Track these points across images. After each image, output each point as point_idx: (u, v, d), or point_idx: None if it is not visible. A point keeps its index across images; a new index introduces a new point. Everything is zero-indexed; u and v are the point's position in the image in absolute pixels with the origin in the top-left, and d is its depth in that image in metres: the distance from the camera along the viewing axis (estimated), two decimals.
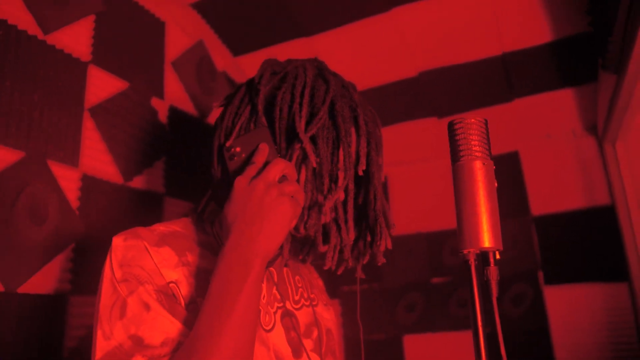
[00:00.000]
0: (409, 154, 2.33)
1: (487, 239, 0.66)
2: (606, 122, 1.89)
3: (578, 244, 2.05)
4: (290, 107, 0.96)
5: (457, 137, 0.70)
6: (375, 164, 0.99)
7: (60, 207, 1.18)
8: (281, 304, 1.00)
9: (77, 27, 1.32)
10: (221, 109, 1.05)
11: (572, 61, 1.89)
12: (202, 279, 0.88)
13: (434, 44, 1.84)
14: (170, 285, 0.84)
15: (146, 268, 0.84)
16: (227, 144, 0.92)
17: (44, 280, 1.13)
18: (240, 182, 0.85)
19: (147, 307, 0.80)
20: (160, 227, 0.92)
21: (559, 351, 1.99)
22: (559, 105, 2.09)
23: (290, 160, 0.93)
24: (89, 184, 1.28)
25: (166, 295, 0.83)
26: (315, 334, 1.06)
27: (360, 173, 0.96)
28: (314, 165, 0.94)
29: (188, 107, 1.72)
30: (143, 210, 1.45)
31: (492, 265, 0.66)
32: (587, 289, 2.00)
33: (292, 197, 0.86)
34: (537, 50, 1.83)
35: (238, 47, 1.96)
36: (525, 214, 2.14)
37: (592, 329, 1.97)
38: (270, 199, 0.83)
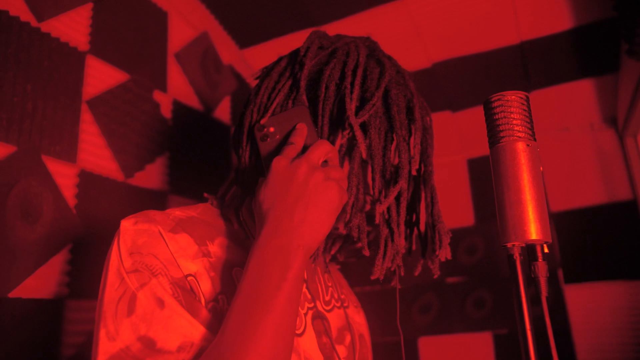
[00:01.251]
0: None
1: (534, 231, 0.57)
2: (628, 114, 1.82)
3: (599, 241, 1.99)
4: (338, 86, 0.84)
5: (496, 117, 0.62)
6: (431, 162, 0.89)
7: (56, 205, 1.11)
8: (312, 304, 0.89)
9: (74, 15, 1.24)
10: (256, 81, 0.93)
11: (593, 50, 1.82)
12: (225, 273, 0.77)
13: (449, 33, 1.76)
14: (189, 278, 0.72)
15: (161, 257, 0.72)
16: (261, 122, 0.82)
17: (38, 284, 1.05)
18: (280, 162, 0.74)
19: (161, 303, 0.68)
20: (176, 212, 0.81)
21: (581, 352, 1.92)
22: (578, 97, 2.02)
23: None
24: (87, 180, 1.20)
25: (184, 290, 0.71)
26: (348, 339, 0.95)
27: (414, 172, 0.85)
28: (364, 156, 0.82)
29: (192, 101, 1.65)
30: (145, 209, 1.36)
31: (540, 260, 0.57)
32: (609, 288, 1.94)
33: (339, 183, 0.75)
34: (556, 39, 1.76)
35: (244, 39, 1.88)
36: None
37: (614, 329, 1.91)
38: (315, 181, 0.72)
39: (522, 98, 0.62)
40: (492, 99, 0.62)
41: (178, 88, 1.59)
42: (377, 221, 0.83)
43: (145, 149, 1.41)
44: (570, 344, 1.95)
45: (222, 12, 1.77)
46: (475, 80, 1.99)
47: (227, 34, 1.86)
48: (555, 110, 2.08)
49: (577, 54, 1.84)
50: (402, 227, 0.84)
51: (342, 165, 0.84)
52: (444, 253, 0.85)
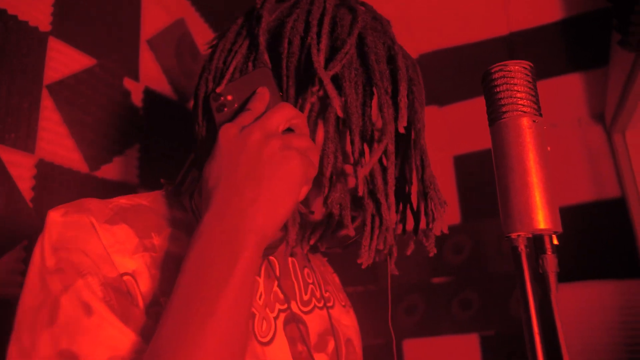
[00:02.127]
0: None
1: (542, 219, 0.50)
2: (617, 109, 1.78)
3: (587, 239, 1.95)
4: (303, 39, 0.72)
5: (498, 89, 0.54)
6: (420, 119, 0.75)
7: (9, 197, 1.01)
8: (284, 306, 0.77)
9: None
10: (210, 50, 0.80)
11: (582, 42, 1.78)
12: (172, 270, 0.63)
13: (437, 23, 1.70)
14: (125, 277, 0.60)
15: (91, 253, 0.59)
16: (217, 91, 0.69)
17: None
18: (228, 131, 0.62)
19: (88, 309, 0.56)
20: (120, 200, 0.69)
21: (571, 352, 1.87)
22: (566, 92, 1.98)
23: (302, 111, 0.69)
24: (46, 171, 1.11)
25: (117, 292, 0.59)
26: (331, 346, 0.82)
27: (401, 130, 0.70)
28: (340, 113, 0.69)
29: (166, 89, 1.56)
30: None
31: (549, 252, 0.50)
32: (598, 287, 1.89)
33: (303, 153, 0.62)
34: (545, 30, 1.71)
35: (223, 27, 1.80)
36: None
37: (604, 329, 1.87)
38: (270, 152, 0.60)
39: (526, 68, 0.54)
40: (493, 70, 0.55)
41: (150, 76, 1.50)
42: (360, 192, 0.69)
43: (113, 140, 1.32)
44: (559, 344, 1.90)
45: None
46: (462, 73, 1.93)
47: (205, 22, 1.77)
48: (543, 105, 2.02)
49: (566, 46, 1.80)
50: (392, 198, 0.70)
51: (315, 129, 0.72)
52: (439, 225, 0.73)
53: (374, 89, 0.72)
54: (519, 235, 0.51)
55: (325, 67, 0.69)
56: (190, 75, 1.69)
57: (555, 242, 0.51)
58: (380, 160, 0.71)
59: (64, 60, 1.20)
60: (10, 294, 1.00)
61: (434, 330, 2.07)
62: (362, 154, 0.70)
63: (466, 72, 1.93)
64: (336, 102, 0.68)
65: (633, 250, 1.85)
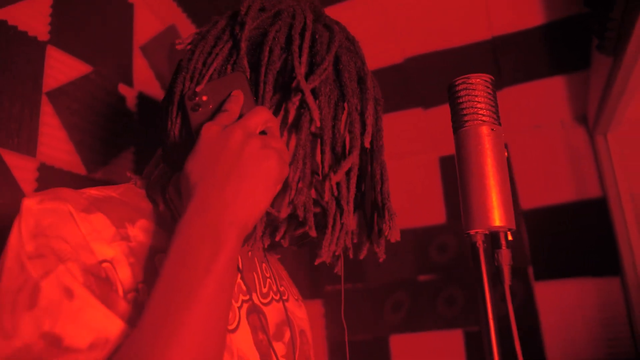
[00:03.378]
0: (393, 147, 2.24)
1: (497, 217, 0.56)
2: (598, 112, 1.84)
3: (569, 238, 2.00)
4: (283, 50, 0.76)
5: (460, 100, 0.60)
6: (381, 136, 0.82)
7: (15, 200, 1.07)
8: (247, 297, 0.80)
9: (32, 3, 1.20)
10: (189, 47, 0.82)
11: (564, 46, 1.83)
12: (147, 258, 0.66)
13: (422, 27, 1.75)
14: (104, 264, 0.61)
15: (70, 240, 0.60)
16: (192, 91, 0.71)
17: None
18: (210, 129, 0.65)
19: (69, 293, 0.57)
20: (91, 191, 0.70)
21: (551, 349, 1.93)
22: (549, 94, 2.03)
23: (275, 117, 0.73)
24: (48, 174, 1.16)
25: (97, 277, 0.60)
26: (287, 336, 0.87)
27: (367, 145, 0.77)
28: (317, 124, 0.73)
29: (159, 94, 1.61)
30: None
31: (504, 247, 0.56)
32: (578, 284, 1.94)
33: (279, 154, 0.66)
34: (528, 34, 1.76)
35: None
36: (514, 207, 2.07)
37: (584, 325, 1.92)
38: (252, 149, 0.63)
39: (486, 81, 0.60)
40: (457, 82, 0.61)
41: (144, 82, 1.55)
42: (325, 198, 0.75)
43: (109, 143, 1.37)
44: (540, 341, 1.95)
45: (190, 5, 1.74)
46: (446, 76, 1.97)
47: (196, 28, 1.82)
48: (527, 107, 2.09)
49: (548, 50, 1.85)
50: (352, 205, 0.76)
51: (289, 137, 0.76)
52: (394, 234, 0.77)
53: (345, 105, 0.78)
54: (477, 232, 0.57)
55: (306, 80, 0.73)
56: None
57: (510, 237, 0.56)
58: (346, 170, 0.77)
59: (62, 68, 1.25)
60: None
61: (420, 326, 2.12)
62: (331, 166, 0.75)
63: (451, 75, 1.95)
64: (316, 114, 0.73)
65: (613, 249, 1.91)
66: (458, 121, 0.61)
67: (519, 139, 2.12)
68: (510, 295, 0.54)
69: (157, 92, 1.60)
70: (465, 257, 2.11)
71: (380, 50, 1.85)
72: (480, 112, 0.59)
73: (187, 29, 1.79)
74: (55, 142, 1.20)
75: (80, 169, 1.25)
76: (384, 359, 2.12)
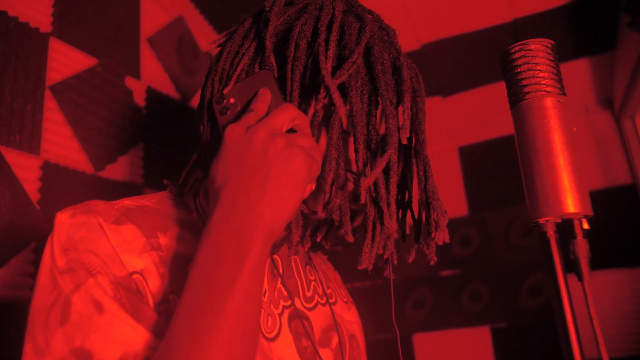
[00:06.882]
0: None
1: (571, 202, 0.48)
2: (626, 94, 1.75)
3: (599, 228, 1.89)
4: (310, 44, 0.72)
5: (519, 69, 0.52)
6: (423, 130, 0.76)
7: (16, 200, 1.00)
8: (288, 302, 0.77)
9: None
10: (218, 49, 0.80)
11: (588, 27, 1.74)
12: (180, 269, 0.65)
13: (439, 11, 1.67)
14: (134, 276, 0.61)
15: (100, 253, 0.60)
16: (219, 94, 0.69)
17: None
18: (234, 130, 0.62)
19: (99, 307, 0.57)
20: (125, 201, 0.69)
21: (584, 342, 1.85)
22: (572, 78, 1.94)
23: (305, 114, 0.69)
24: (52, 173, 1.09)
25: (128, 290, 0.60)
26: (335, 341, 0.83)
27: (404, 141, 0.72)
28: (344, 122, 0.70)
29: (168, 88, 1.54)
30: None
31: (579, 237, 0.48)
32: (611, 276, 1.86)
33: (307, 152, 0.62)
34: (551, 15, 1.68)
35: (222, 24, 1.78)
36: None
37: (617, 319, 1.84)
38: (276, 150, 0.60)
39: (547, 47, 0.52)
40: (513, 50, 0.52)
41: (152, 75, 1.48)
42: (362, 200, 0.70)
43: (117, 140, 1.30)
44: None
45: None
46: (465, 62, 1.90)
47: (204, 19, 1.75)
48: None
49: (572, 31, 1.77)
50: (394, 206, 0.70)
51: (319, 135, 0.72)
52: (442, 235, 0.73)
53: (379, 99, 0.73)
54: (547, 220, 0.49)
55: (333, 75, 0.69)
56: (191, 73, 1.67)
57: (586, 226, 0.49)
58: (383, 169, 0.71)
59: (65, 61, 1.18)
60: (21, 295, 0.98)
61: (444, 324, 2.05)
62: (366, 162, 0.70)
63: (470, 61, 1.90)
64: (342, 111, 0.68)
65: None
66: (517, 94, 0.52)
67: None
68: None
69: (165, 85, 1.53)
70: (489, 251, 2.04)
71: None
72: (543, 81, 0.51)
73: (195, 21, 1.72)
74: (60, 139, 1.13)
75: (86, 167, 1.18)
76: (407, 358, 2.05)
